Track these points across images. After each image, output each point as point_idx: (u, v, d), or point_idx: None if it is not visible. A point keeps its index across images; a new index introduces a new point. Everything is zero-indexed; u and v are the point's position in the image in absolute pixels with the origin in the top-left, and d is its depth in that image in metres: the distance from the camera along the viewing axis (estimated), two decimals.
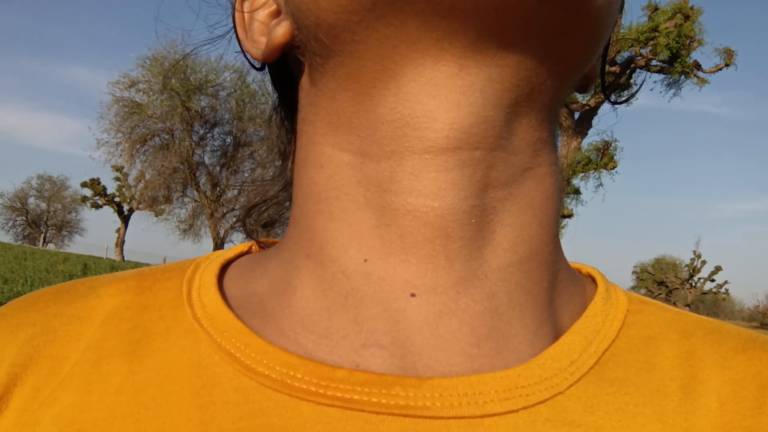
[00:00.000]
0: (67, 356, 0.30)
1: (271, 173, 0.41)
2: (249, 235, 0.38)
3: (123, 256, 26.62)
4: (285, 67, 0.35)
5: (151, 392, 0.28)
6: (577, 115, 13.53)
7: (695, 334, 0.30)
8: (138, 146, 18.26)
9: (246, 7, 0.33)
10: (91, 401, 0.28)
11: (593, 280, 0.33)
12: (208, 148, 19.40)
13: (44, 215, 42.06)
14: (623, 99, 0.45)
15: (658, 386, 0.28)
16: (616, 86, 13.18)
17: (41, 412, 0.28)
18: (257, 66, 0.37)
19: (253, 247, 0.37)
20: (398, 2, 0.25)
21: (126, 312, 0.32)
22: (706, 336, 0.30)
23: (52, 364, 0.30)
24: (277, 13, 0.32)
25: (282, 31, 0.30)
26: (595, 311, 0.30)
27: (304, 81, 0.32)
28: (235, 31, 0.34)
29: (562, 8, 0.25)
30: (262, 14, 0.32)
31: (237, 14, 0.34)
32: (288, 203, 0.39)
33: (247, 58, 0.35)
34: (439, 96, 0.26)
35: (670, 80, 14.41)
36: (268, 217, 0.40)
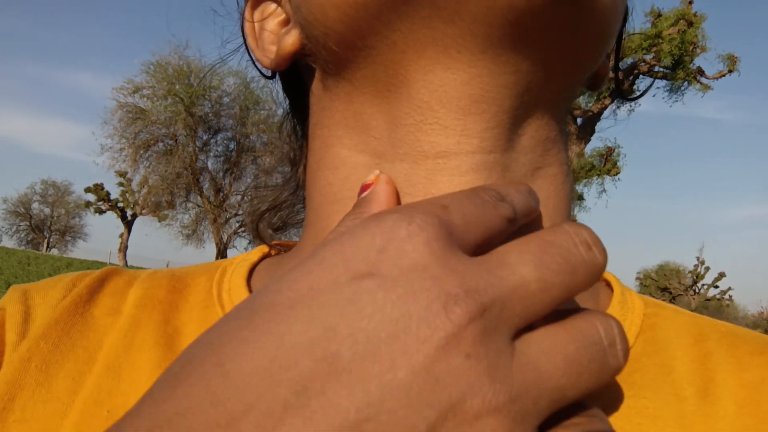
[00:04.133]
0: (100, 340, 0.31)
1: (276, 179, 0.42)
2: (259, 238, 0.39)
3: (126, 261, 26.66)
4: (295, 74, 0.35)
5: None
6: (580, 121, 13.54)
7: (711, 337, 0.31)
8: (142, 152, 18.29)
9: (256, 16, 0.34)
10: (122, 387, 0.29)
11: (607, 283, 0.34)
12: (211, 154, 19.46)
13: (48, 220, 42.14)
14: (634, 96, 0.45)
15: (676, 389, 0.28)
16: (619, 92, 13.16)
17: (76, 395, 0.29)
18: (268, 75, 0.37)
19: (272, 250, 0.38)
20: (404, 8, 0.25)
21: (158, 305, 0.33)
22: (722, 339, 0.30)
23: (87, 346, 0.31)
24: (286, 22, 0.32)
25: (292, 39, 0.30)
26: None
27: (316, 86, 0.32)
28: (245, 41, 0.34)
29: (567, 8, 0.25)
30: (271, 23, 0.33)
31: (247, 24, 0.34)
32: (298, 206, 0.40)
33: (257, 67, 0.35)
34: (450, 104, 0.26)
35: (673, 86, 14.42)
36: (279, 221, 0.40)
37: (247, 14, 0.34)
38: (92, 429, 0.28)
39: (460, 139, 0.26)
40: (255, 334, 0.18)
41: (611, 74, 0.36)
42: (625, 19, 0.31)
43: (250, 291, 0.33)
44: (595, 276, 0.21)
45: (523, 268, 0.19)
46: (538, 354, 0.19)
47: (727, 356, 0.29)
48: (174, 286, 0.35)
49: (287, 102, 0.39)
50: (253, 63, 0.35)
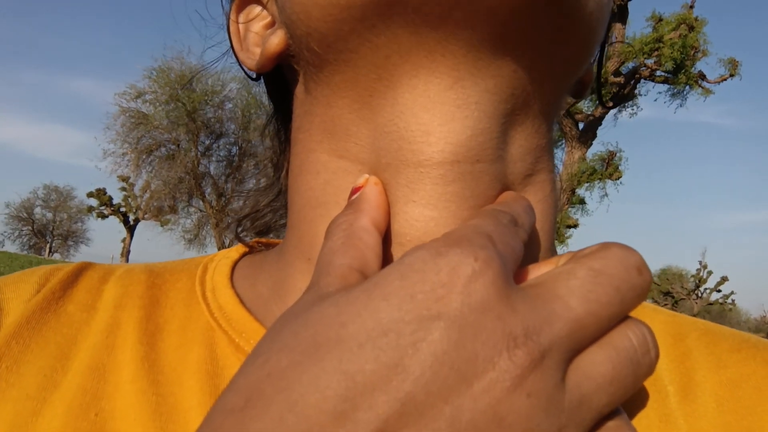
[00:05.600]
0: (78, 339, 0.31)
1: (263, 183, 0.42)
2: (240, 241, 0.39)
3: None
4: (280, 78, 0.35)
5: (170, 388, 0.29)
6: (581, 125, 13.54)
7: (689, 335, 0.31)
8: (144, 156, 18.31)
9: (241, 18, 0.34)
10: (108, 389, 0.29)
11: None
12: (213, 159, 19.47)
13: (50, 225, 42.20)
14: (619, 105, 0.45)
15: (658, 388, 0.28)
16: (621, 97, 13.20)
17: (52, 392, 0.29)
18: (253, 76, 0.38)
19: (254, 247, 0.38)
20: (389, 12, 0.25)
21: (138, 301, 0.33)
22: (701, 337, 0.31)
23: (63, 343, 0.31)
24: (272, 25, 0.32)
25: (276, 40, 0.30)
26: None
27: (299, 90, 0.32)
28: (230, 42, 0.35)
29: (553, 15, 0.25)
30: (257, 25, 0.33)
31: (232, 25, 0.34)
32: (281, 212, 0.41)
33: (242, 68, 0.36)
34: (434, 109, 0.26)
35: (675, 91, 14.41)
36: (262, 225, 0.41)
37: (232, 16, 0.34)
38: None
39: (445, 147, 0.26)
40: (326, 372, 0.17)
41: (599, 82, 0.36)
42: (609, 27, 0.31)
43: (234, 289, 0.33)
44: (642, 299, 0.21)
45: (574, 301, 0.19)
46: (581, 379, 0.19)
47: (705, 354, 0.30)
48: (153, 281, 0.35)
49: (271, 105, 0.39)
50: (239, 64, 0.35)
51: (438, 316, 0.18)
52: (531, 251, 0.29)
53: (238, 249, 0.38)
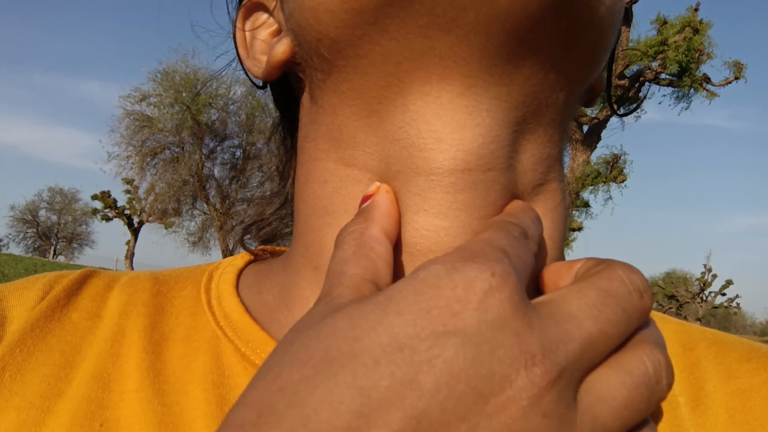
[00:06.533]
0: (82, 347, 0.31)
1: (270, 189, 0.42)
2: (246, 249, 0.39)
3: (133, 268, 26.66)
4: (287, 86, 0.35)
5: (176, 397, 0.29)
6: (585, 128, 13.52)
7: (699, 345, 0.31)
8: (148, 159, 18.34)
9: (247, 25, 0.33)
10: (112, 398, 0.29)
11: None
12: (217, 161, 19.48)
13: (55, 227, 42.27)
14: (628, 111, 0.45)
15: (669, 399, 0.28)
16: (625, 100, 13.17)
17: (56, 401, 0.29)
18: (259, 84, 0.37)
19: (259, 255, 0.38)
20: (400, 15, 0.24)
21: (143, 309, 0.33)
22: (710, 347, 0.31)
23: (67, 351, 0.31)
24: (278, 32, 0.32)
25: (283, 48, 0.30)
26: None
27: (305, 99, 0.32)
28: (236, 50, 0.34)
29: (566, 19, 0.25)
30: (263, 33, 0.33)
31: (238, 33, 0.34)
32: (287, 220, 0.40)
33: (248, 76, 0.35)
34: (445, 116, 0.26)
35: (680, 94, 14.39)
36: (268, 233, 0.40)
37: (238, 23, 0.34)
38: None
39: (456, 155, 0.26)
40: (339, 387, 0.17)
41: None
42: (618, 34, 0.31)
43: (239, 297, 0.33)
44: (644, 320, 0.21)
45: (586, 321, 0.19)
46: (594, 400, 0.19)
47: (715, 364, 0.30)
48: (158, 290, 0.34)
49: (277, 114, 0.39)
50: (245, 72, 0.35)
51: (454, 332, 0.18)
52: (539, 262, 0.28)
53: (243, 257, 0.38)
